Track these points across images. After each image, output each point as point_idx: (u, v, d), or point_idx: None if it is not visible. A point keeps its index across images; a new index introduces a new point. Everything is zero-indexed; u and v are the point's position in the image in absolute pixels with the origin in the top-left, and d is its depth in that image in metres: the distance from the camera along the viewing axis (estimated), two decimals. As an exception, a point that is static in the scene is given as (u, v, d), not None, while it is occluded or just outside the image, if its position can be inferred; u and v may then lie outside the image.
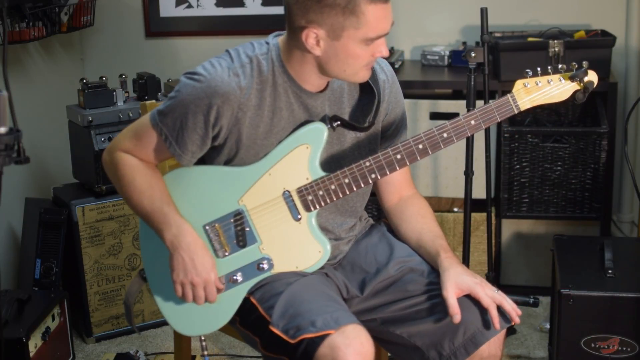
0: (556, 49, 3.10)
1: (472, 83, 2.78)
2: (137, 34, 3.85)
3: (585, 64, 1.90)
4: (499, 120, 1.88)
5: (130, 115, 3.10)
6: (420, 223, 2.02)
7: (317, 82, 1.89)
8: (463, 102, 2.94)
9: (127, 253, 3.12)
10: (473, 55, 2.78)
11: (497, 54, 3.14)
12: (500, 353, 1.88)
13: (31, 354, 2.63)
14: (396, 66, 3.34)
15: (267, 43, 1.91)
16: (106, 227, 3.08)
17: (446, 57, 3.46)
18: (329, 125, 1.89)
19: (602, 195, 3.19)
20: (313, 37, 1.79)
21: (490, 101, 1.94)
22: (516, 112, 1.88)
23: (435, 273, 1.93)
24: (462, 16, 3.56)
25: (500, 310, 1.86)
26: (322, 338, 1.72)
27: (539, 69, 1.89)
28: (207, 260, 1.88)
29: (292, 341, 1.76)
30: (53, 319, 2.82)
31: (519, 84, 1.89)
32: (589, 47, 3.14)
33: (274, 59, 1.87)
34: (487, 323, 1.84)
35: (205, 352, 2.05)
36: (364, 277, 1.99)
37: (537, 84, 1.88)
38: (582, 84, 1.89)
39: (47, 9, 3.19)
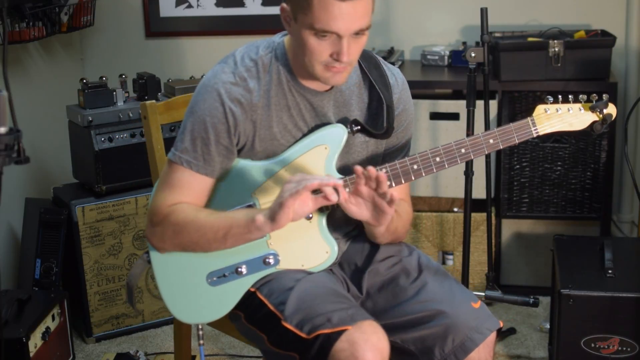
0: (556, 49, 3.10)
1: (472, 83, 2.78)
2: (137, 34, 3.85)
3: (605, 96, 1.93)
4: (517, 142, 1.90)
5: (130, 115, 3.09)
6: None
7: (314, 80, 1.88)
8: (463, 102, 2.94)
9: (127, 253, 3.12)
10: (473, 55, 2.78)
11: (497, 54, 3.14)
12: (491, 358, 1.87)
13: (31, 354, 2.63)
14: (396, 66, 3.33)
15: (273, 42, 1.91)
16: (106, 227, 3.08)
17: (446, 57, 3.46)
18: (349, 129, 1.89)
19: (602, 195, 3.19)
20: (285, 13, 1.81)
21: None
22: (534, 136, 1.90)
23: (425, 272, 1.94)
24: (462, 16, 3.57)
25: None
26: (339, 334, 1.72)
27: (560, 96, 1.92)
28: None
29: (307, 337, 1.75)
30: (53, 319, 2.82)
31: (539, 108, 1.92)
32: (589, 47, 3.14)
33: (278, 58, 1.88)
34: (477, 329, 1.84)
35: (202, 341, 2.05)
36: (360, 273, 2.00)
37: (557, 111, 1.92)
38: (601, 116, 1.92)
39: (47, 9, 3.19)
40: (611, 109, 1.93)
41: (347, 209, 1.82)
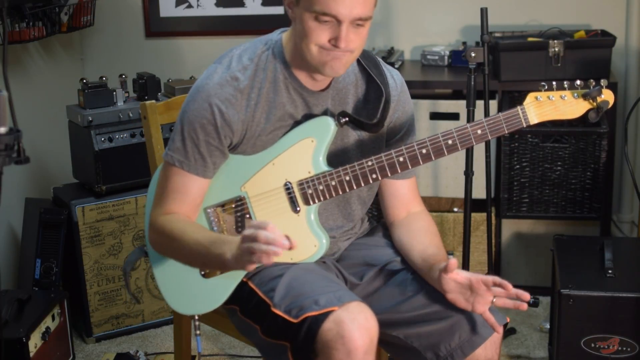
0: (556, 49, 3.10)
1: (472, 83, 2.78)
2: (137, 34, 3.85)
3: (603, 82, 1.84)
4: (506, 132, 1.84)
5: (130, 115, 3.09)
6: (428, 238, 1.98)
7: (313, 79, 1.88)
8: (463, 102, 2.94)
9: (127, 253, 3.12)
10: (473, 55, 2.78)
11: (497, 54, 3.14)
12: (497, 357, 1.87)
13: (31, 354, 2.63)
14: (396, 66, 3.34)
15: (271, 39, 1.92)
16: (106, 227, 3.08)
17: (446, 57, 3.46)
18: (336, 121, 1.89)
19: (602, 195, 3.19)
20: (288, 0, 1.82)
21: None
22: (525, 125, 1.84)
23: None
24: (462, 16, 3.56)
25: (494, 308, 1.86)
26: (326, 315, 1.72)
27: (554, 83, 1.83)
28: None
29: (295, 321, 1.76)
30: (53, 319, 2.82)
31: (531, 96, 1.84)
32: (589, 47, 3.14)
33: (275, 55, 1.89)
34: (484, 324, 1.84)
35: (198, 332, 2.06)
36: (363, 268, 2.00)
37: (549, 99, 1.83)
38: (595, 103, 1.83)
39: (47, 9, 3.19)
40: (607, 96, 1.83)
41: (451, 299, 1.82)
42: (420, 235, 1.99)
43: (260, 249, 1.62)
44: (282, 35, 1.92)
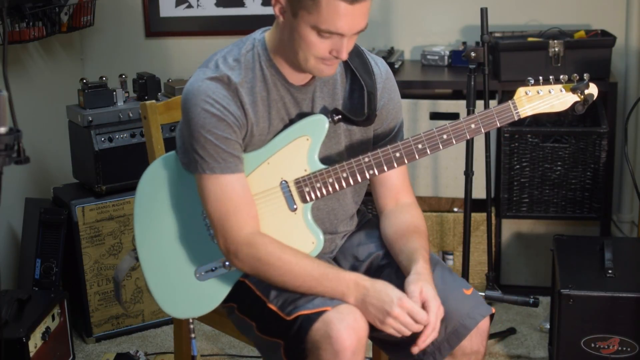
0: (556, 49, 3.10)
1: (472, 83, 2.78)
2: (137, 34, 3.85)
3: (586, 76, 1.93)
4: (498, 125, 1.91)
5: (130, 115, 3.09)
6: (410, 231, 1.97)
7: (297, 73, 1.89)
8: (463, 102, 2.94)
9: (127, 253, 3.12)
10: (473, 55, 2.78)
11: (497, 54, 3.14)
12: (484, 349, 1.88)
13: (31, 354, 2.63)
14: (396, 66, 3.34)
15: (254, 39, 1.93)
16: (106, 227, 3.08)
17: (446, 57, 3.46)
18: (330, 118, 1.90)
19: (602, 195, 3.19)
20: (279, 6, 1.83)
21: (491, 106, 1.95)
22: (516, 119, 1.91)
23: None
24: (462, 16, 3.57)
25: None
26: (318, 315, 1.74)
27: (540, 77, 1.92)
28: (391, 290, 1.79)
29: (287, 318, 1.78)
30: (53, 319, 2.82)
31: (520, 91, 1.92)
32: (589, 47, 3.14)
33: (260, 54, 1.89)
34: (469, 315, 1.84)
35: (193, 335, 2.06)
36: (355, 263, 2.01)
37: (538, 93, 1.92)
38: (582, 96, 1.92)
39: (47, 9, 3.20)
40: (592, 89, 1.93)
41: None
42: (403, 228, 1.98)
43: (402, 333, 1.76)
44: (264, 34, 1.92)
